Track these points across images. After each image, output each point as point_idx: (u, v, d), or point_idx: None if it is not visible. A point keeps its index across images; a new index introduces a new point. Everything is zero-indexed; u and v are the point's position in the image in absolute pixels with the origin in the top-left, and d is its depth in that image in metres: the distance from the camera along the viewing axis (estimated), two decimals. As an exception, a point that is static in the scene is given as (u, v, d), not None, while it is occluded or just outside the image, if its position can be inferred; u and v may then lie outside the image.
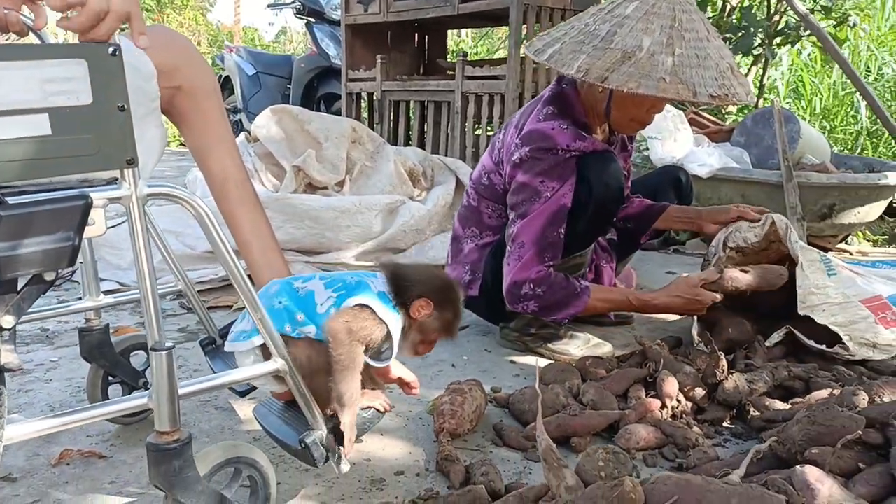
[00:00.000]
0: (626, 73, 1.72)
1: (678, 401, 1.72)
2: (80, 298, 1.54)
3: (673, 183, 2.41)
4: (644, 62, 1.73)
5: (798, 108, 5.95)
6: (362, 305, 1.23)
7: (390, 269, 1.33)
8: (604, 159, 1.95)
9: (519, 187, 1.97)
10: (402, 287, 1.28)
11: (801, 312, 1.99)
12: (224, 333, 1.69)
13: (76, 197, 0.96)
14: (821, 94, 5.85)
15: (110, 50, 0.96)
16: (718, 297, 2.01)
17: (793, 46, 5.40)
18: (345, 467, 1.26)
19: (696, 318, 2.11)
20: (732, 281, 2.01)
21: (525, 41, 4.13)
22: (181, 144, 9.48)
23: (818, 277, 2.07)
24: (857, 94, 5.00)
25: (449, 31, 6.97)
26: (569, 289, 1.99)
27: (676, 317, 2.56)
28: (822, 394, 1.66)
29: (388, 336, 1.25)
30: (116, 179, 1.01)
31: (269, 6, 7.77)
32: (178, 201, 1.08)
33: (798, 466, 1.22)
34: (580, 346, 2.14)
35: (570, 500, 0.96)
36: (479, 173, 2.19)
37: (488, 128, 4.46)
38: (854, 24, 5.20)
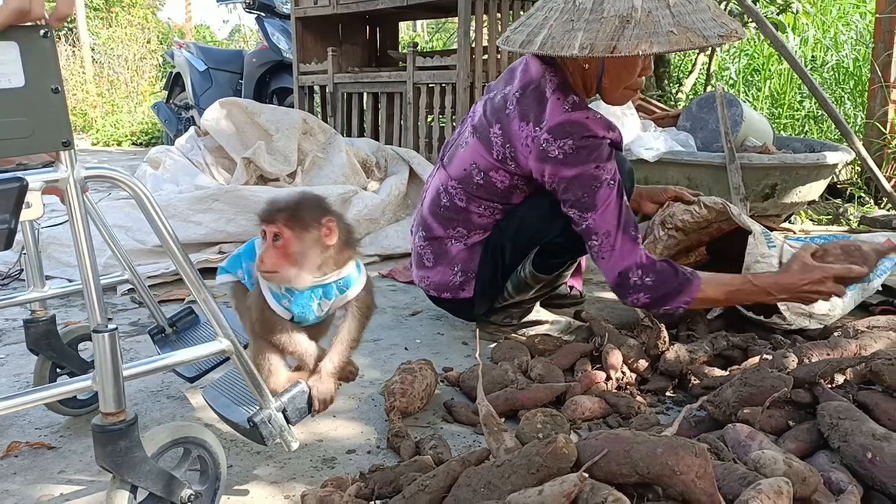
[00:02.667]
0: (634, 37, 1.63)
1: (622, 372, 1.78)
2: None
3: None
4: (645, 21, 1.65)
5: (748, 95, 6.11)
6: None
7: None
8: (621, 156, 1.93)
9: (573, 182, 1.80)
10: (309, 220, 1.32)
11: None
12: (173, 322, 1.71)
13: (11, 180, 0.97)
14: (771, 79, 6.01)
15: (42, 32, 0.96)
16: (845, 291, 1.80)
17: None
18: (294, 445, 1.28)
19: None
20: None
21: (500, 35, 4.14)
22: (133, 144, 9.34)
23: (761, 248, 2.15)
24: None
25: (404, 25, 6.97)
26: (676, 273, 1.81)
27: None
28: (757, 359, 1.73)
29: None
30: (53, 162, 1.02)
31: (218, 2, 7.67)
32: (117, 183, 1.09)
33: (729, 425, 1.29)
34: (562, 331, 2.17)
35: (508, 460, 0.99)
36: (468, 173, 1.99)
37: (440, 118, 4.48)
38: (797, 12, 5.36)
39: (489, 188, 1.98)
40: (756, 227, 2.21)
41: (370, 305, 1.44)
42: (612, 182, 1.81)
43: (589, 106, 1.85)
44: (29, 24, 0.96)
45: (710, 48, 5.34)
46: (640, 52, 1.62)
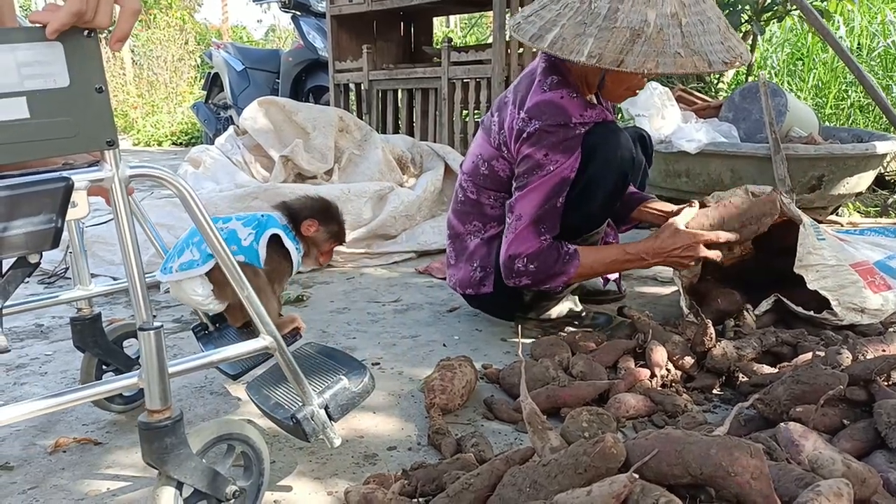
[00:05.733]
0: (642, 54, 1.65)
1: (667, 370, 1.74)
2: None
3: (639, 140, 2.29)
4: (655, 38, 1.66)
5: (791, 85, 5.95)
6: (275, 235, 1.56)
7: (284, 206, 1.66)
8: (614, 130, 1.90)
9: (523, 159, 1.89)
10: (294, 215, 1.63)
11: (796, 270, 2.01)
12: (216, 319, 1.72)
13: (57, 179, 0.97)
14: (816, 68, 5.85)
15: (86, 32, 0.97)
16: (711, 254, 1.96)
17: (780, 21, 5.42)
18: (336, 441, 1.28)
19: (682, 290, 2.12)
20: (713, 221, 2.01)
21: (509, 22, 4.15)
22: (173, 144, 9.49)
23: (811, 240, 2.09)
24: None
25: (437, 20, 6.96)
26: (559, 258, 1.91)
27: (667, 290, 2.59)
28: (809, 356, 1.68)
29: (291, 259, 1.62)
30: (98, 161, 1.02)
31: (253, 1, 7.75)
32: (162, 182, 1.09)
33: (782, 423, 1.24)
34: (602, 327, 2.14)
35: (554, 459, 0.97)
36: (475, 164, 2.09)
37: (476, 113, 4.46)
38: (841, -1, 5.21)
39: (494, 178, 2.04)
40: (805, 218, 2.15)
41: None
42: (552, 173, 1.85)
43: (568, 86, 1.88)
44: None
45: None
46: (645, 71, 1.66)
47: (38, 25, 0.93)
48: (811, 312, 2.00)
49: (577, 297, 2.21)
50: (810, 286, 2.00)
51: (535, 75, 1.94)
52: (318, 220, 1.65)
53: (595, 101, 2.08)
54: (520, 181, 1.92)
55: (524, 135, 1.88)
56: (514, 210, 1.92)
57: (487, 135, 2.06)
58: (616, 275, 2.47)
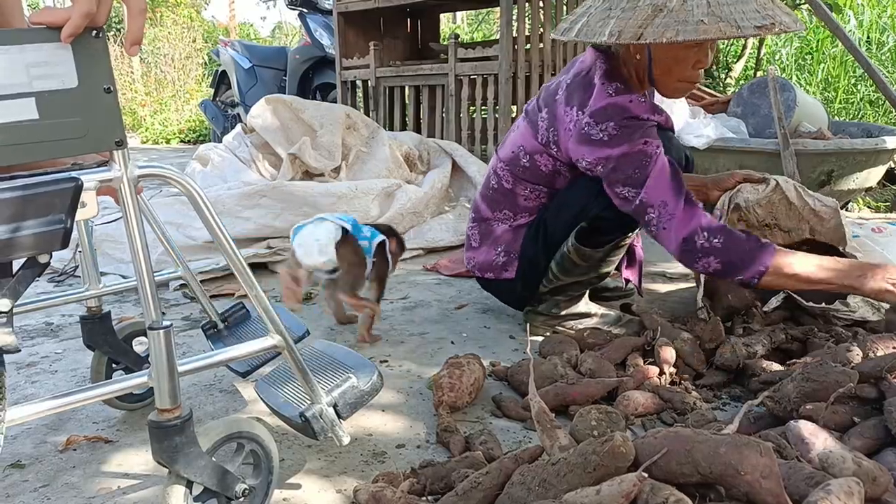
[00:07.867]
0: (661, 25, 1.62)
1: (676, 367, 1.74)
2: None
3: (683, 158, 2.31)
4: (677, 10, 1.64)
5: (800, 79, 5.92)
6: (382, 243, 2.08)
7: (388, 229, 2.18)
8: (670, 137, 1.93)
9: (622, 160, 1.78)
10: (390, 234, 2.17)
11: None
12: (225, 317, 1.73)
13: (66, 180, 0.97)
14: (825, 62, 5.81)
15: (94, 32, 0.97)
16: None
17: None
18: (345, 439, 1.28)
19: (701, 285, 2.11)
20: None
21: (542, 24, 4.11)
22: (181, 141, 9.52)
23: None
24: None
25: (444, 17, 6.94)
26: (750, 238, 1.72)
27: (674, 287, 2.58)
28: (819, 353, 1.67)
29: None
30: (107, 161, 1.03)
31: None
32: (170, 181, 1.09)
33: (792, 421, 1.24)
34: (611, 324, 2.13)
35: (563, 458, 0.97)
36: (515, 155, 2.04)
37: (483, 110, 4.46)
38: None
39: (534, 171, 2.02)
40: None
41: None
42: (659, 153, 1.78)
43: (632, 91, 1.83)
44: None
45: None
46: (665, 40, 1.61)
47: (42, 27, 0.93)
48: (822, 304, 1.99)
49: (586, 295, 2.20)
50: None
51: (589, 77, 1.88)
52: (397, 240, 2.16)
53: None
54: (636, 178, 1.78)
55: (598, 139, 1.80)
56: (654, 201, 1.76)
57: (533, 129, 2.00)
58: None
